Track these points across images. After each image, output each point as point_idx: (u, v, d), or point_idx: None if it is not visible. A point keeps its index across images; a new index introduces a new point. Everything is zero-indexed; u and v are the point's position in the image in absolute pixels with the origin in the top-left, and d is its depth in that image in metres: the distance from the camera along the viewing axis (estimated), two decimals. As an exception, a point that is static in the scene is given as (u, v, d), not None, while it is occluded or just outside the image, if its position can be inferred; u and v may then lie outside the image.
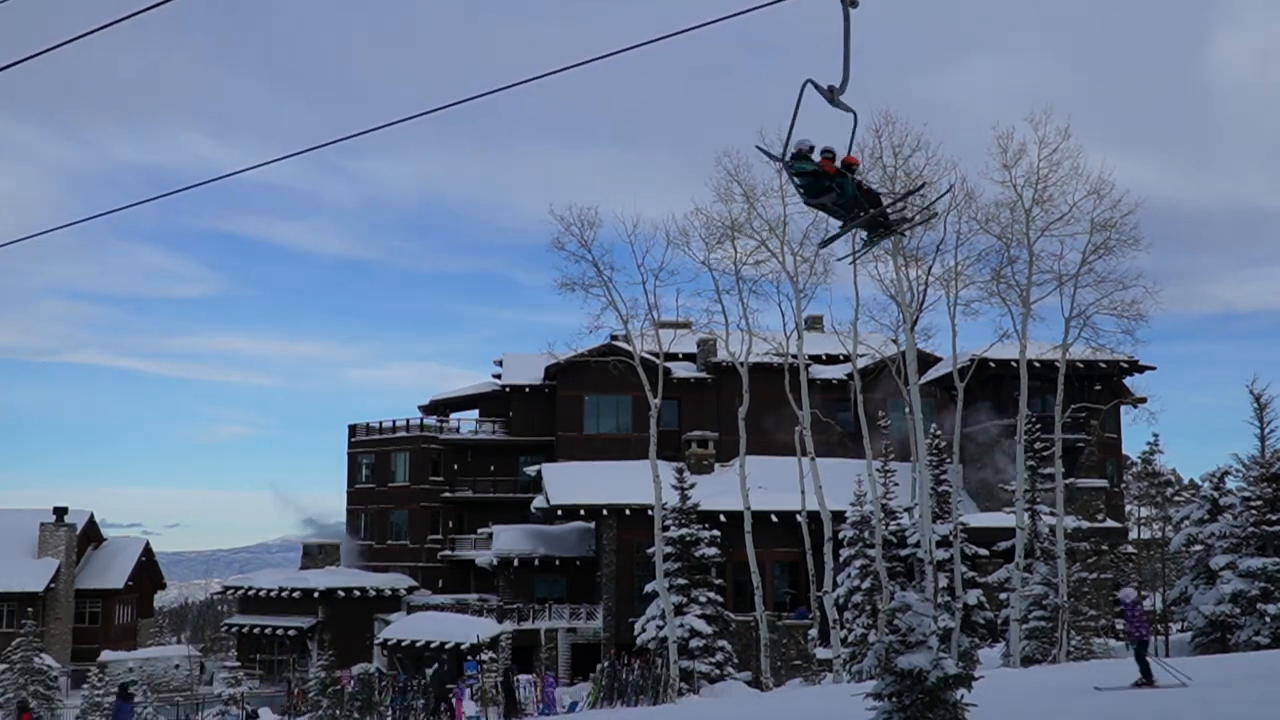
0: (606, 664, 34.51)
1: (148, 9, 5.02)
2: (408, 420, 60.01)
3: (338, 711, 32.87)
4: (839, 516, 35.14)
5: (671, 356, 47.17)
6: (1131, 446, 50.04)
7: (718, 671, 34.12)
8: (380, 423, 60.50)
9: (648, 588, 36.21)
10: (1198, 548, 31.67)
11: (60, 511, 55.48)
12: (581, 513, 45.64)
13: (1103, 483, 45.43)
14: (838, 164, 8.23)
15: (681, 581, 34.93)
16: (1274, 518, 30.14)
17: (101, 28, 5.21)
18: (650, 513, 34.54)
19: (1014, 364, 35.19)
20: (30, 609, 48.35)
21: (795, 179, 8.35)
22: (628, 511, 43.36)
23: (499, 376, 59.71)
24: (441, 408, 62.37)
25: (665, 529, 34.02)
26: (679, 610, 34.11)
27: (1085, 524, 37.97)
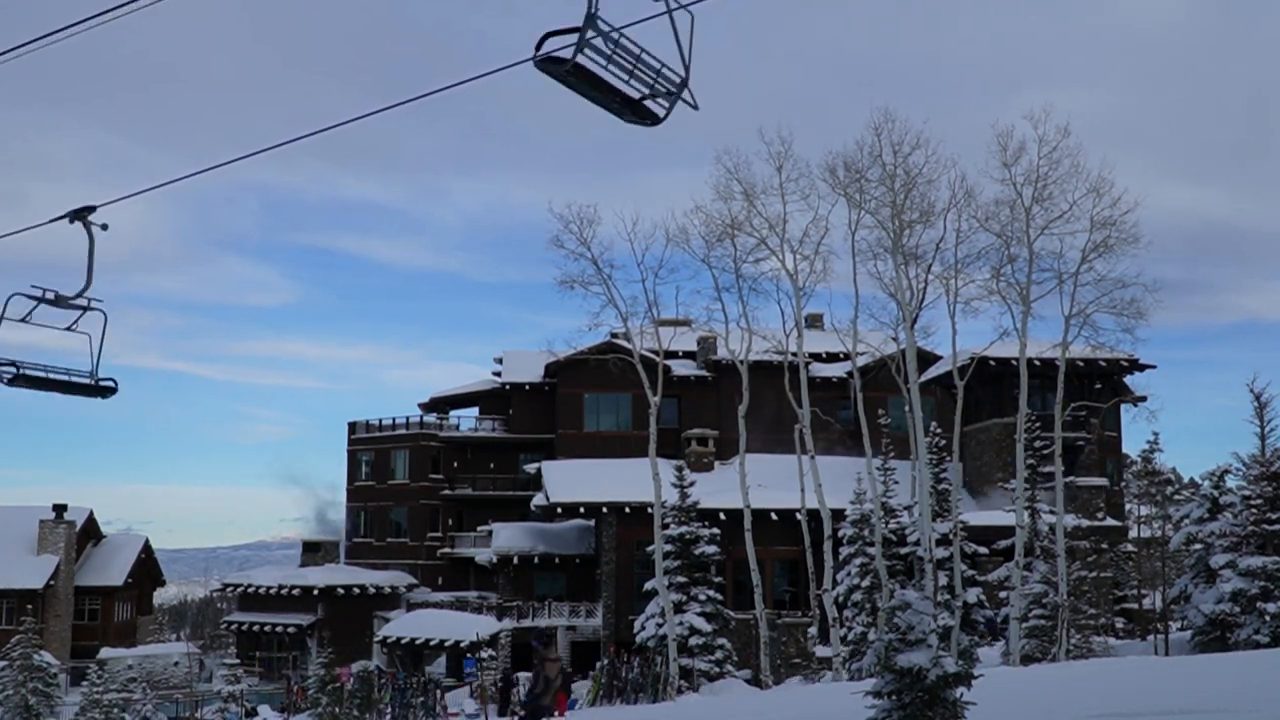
0: (606, 661, 34.49)
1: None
2: (408, 418, 59.95)
3: (337, 709, 32.84)
4: (839, 514, 35.12)
5: (671, 354, 47.13)
6: (1131, 445, 50.03)
7: (717, 669, 34.11)
8: (380, 420, 60.44)
9: (647, 585, 36.17)
10: (1197, 546, 31.60)
11: (60, 509, 55.48)
12: (581, 510, 45.62)
13: (1102, 481, 45.44)
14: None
15: (681, 579, 34.88)
16: (1274, 516, 30.07)
17: None
18: (650, 510, 34.50)
19: (1014, 362, 35.16)
20: (29, 606, 48.29)
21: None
22: (627, 509, 43.33)
23: (499, 374, 59.68)
24: (441, 405, 62.30)
25: (665, 527, 33.98)
26: (679, 608, 34.07)
27: (1085, 522, 37.98)
